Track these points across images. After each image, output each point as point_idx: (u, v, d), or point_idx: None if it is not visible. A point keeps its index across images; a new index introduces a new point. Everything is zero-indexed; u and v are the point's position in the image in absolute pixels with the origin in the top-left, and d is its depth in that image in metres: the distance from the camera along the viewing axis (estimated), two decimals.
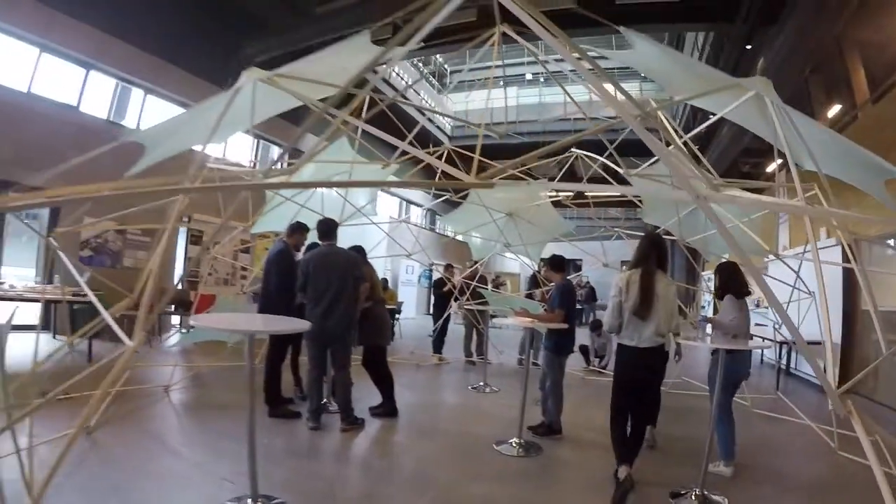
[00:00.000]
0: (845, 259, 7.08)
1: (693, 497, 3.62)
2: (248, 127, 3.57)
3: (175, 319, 10.06)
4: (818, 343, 6.32)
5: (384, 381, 5.38)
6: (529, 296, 9.26)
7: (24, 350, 6.42)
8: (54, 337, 7.45)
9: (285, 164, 10.93)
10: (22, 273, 8.78)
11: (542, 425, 5.06)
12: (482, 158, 2.68)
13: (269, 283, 5.20)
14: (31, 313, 7.87)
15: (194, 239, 10.25)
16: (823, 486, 4.28)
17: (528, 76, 22.79)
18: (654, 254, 3.74)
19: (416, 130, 3.90)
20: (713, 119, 3.44)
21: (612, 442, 3.80)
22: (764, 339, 8.21)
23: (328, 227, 5.06)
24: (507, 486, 3.86)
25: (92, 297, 3.41)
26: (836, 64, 9.34)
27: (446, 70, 24.33)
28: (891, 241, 7.20)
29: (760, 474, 4.30)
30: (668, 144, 4.09)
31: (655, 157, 5.10)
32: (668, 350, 3.99)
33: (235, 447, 4.03)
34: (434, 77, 23.36)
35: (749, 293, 4.34)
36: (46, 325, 7.83)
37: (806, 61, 9.31)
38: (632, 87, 21.29)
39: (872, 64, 8.80)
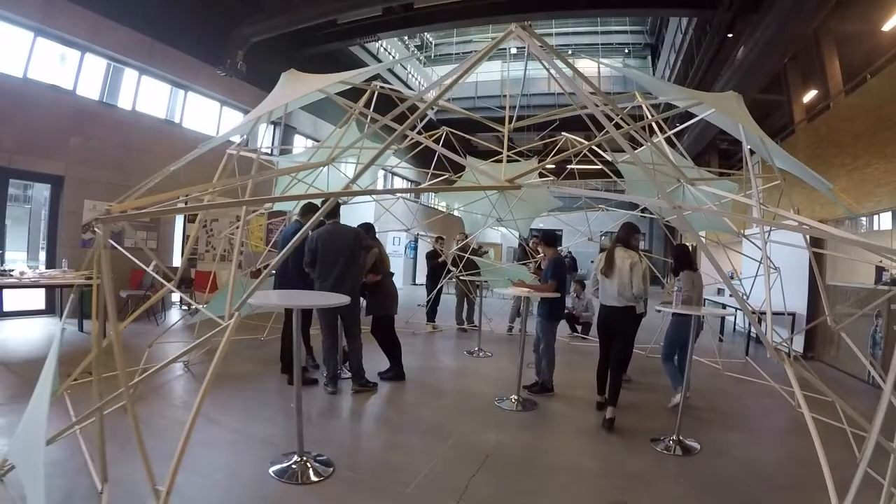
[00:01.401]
0: (812, 239, 7.80)
1: (671, 441, 4.24)
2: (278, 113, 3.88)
3: (175, 297, 10.26)
4: (783, 314, 7.03)
5: (393, 348, 5.88)
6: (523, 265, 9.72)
7: (37, 334, 6.79)
8: (60, 320, 7.70)
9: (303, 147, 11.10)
10: (11, 256, 8.91)
11: (537, 384, 5.66)
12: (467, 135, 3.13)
13: (286, 260, 5.59)
14: (36, 299, 8.17)
15: (192, 218, 10.45)
16: (783, 434, 4.97)
17: (513, 50, 22.95)
18: (620, 235, 5.14)
19: (417, 114, 4.30)
20: (694, 120, 3.89)
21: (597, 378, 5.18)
22: (725, 306, 8.92)
23: (332, 208, 5.46)
24: (512, 434, 4.48)
25: (162, 280, 3.74)
26: (813, 54, 9.74)
27: (431, 43, 24.37)
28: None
29: (729, 424, 4.99)
30: (650, 133, 4.55)
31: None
32: (638, 313, 5.12)
33: (265, 412, 4.58)
34: (419, 50, 23.40)
35: (696, 269, 5.42)
36: (52, 308, 8.17)
37: (785, 51, 9.63)
38: (617, 61, 21.65)
39: (848, 55, 9.25)
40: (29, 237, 9.43)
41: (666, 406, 5.29)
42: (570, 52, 22.35)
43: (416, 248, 19.97)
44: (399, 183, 22.57)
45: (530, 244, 9.92)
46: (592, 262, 4.94)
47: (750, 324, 9.35)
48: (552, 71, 3.03)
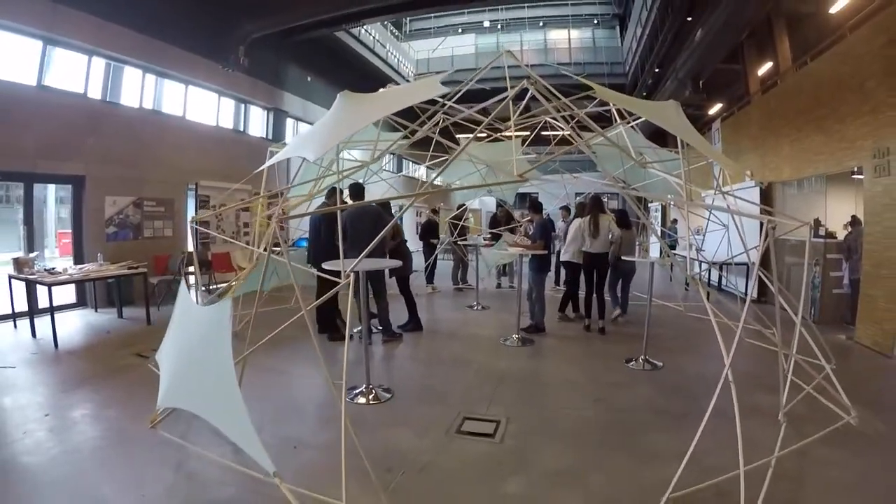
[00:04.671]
0: (762, 199, 9.11)
1: (640, 360, 5.55)
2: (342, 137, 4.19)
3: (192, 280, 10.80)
4: (744, 264, 8.18)
5: (410, 303, 7.08)
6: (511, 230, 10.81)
7: (78, 323, 7.47)
8: (96, 311, 8.23)
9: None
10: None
11: (531, 326, 6.96)
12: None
13: (319, 235, 6.63)
14: (68, 294, 8.34)
15: (202, 204, 11.11)
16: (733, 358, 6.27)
17: (486, 23, 23.72)
18: (597, 204, 7.04)
19: (430, 114, 5.09)
20: (640, 119, 4.93)
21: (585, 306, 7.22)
22: (677, 254, 10.14)
23: (358, 189, 6.51)
24: (518, 362, 5.78)
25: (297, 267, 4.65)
26: (766, 32, 10.65)
27: (406, 19, 24.91)
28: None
29: (687, 349, 6.31)
30: (621, 116, 5.58)
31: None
32: (610, 258, 7.12)
33: (327, 360, 5.64)
34: (396, 28, 23.96)
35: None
36: (83, 301, 8.55)
37: (740, 33, 10.53)
38: (585, 34, 22.53)
39: (798, 35, 10.17)
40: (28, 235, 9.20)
41: (634, 335, 6.59)
42: (541, 24, 23.27)
43: (401, 219, 20.89)
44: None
45: (521, 218, 11.14)
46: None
47: (709, 272, 10.71)
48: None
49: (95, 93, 9.16)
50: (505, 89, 4.07)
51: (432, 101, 4.53)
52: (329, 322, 6.63)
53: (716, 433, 2.98)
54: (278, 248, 4.27)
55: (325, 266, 4.48)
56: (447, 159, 9.23)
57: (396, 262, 5.39)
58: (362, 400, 4.49)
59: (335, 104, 4.02)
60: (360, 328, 6.44)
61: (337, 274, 3.82)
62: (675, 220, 15.61)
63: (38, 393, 4.55)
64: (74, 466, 3.25)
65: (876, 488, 3.09)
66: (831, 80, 7.58)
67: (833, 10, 8.54)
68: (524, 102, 4.92)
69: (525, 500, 2.98)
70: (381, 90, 5.14)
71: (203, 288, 10.40)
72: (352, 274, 3.33)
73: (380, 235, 3.67)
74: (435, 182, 22.92)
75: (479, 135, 6.32)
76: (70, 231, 9.18)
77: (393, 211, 8.26)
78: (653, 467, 3.25)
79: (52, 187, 12.26)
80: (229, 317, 2.89)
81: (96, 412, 4.15)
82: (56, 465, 3.26)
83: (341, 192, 6.88)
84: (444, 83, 3.79)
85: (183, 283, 4.10)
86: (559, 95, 4.11)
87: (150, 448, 3.51)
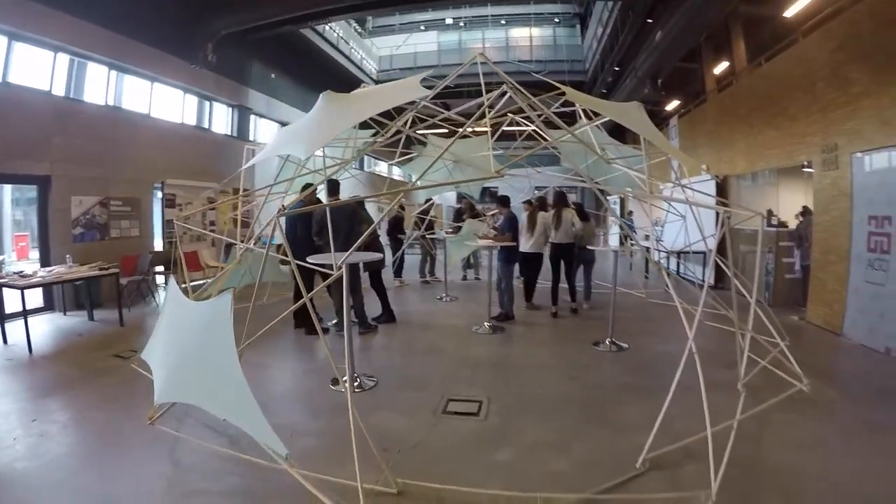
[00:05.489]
0: (718, 191, 9.64)
1: (607, 343, 5.89)
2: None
3: (160, 280, 10.33)
4: (702, 252, 8.63)
5: (382, 296, 7.26)
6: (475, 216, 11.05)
7: (48, 328, 7.35)
8: (65, 314, 7.96)
9: None
10: None
11: (501, 314, 7.24)
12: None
13: (296, 230, 6.72)
14: (35, 298, 7.73)
15: (168, 203, 10.99)
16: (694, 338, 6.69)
17: (449, 21, 23.87)
18: (561, 199, 7.57)
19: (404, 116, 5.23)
20: (606, 119, 5.20)
21: (551, 291, 7.65)
22: (634, 245, 10.58)
23: (334, 186, 6.65)
24: (491, 348, 6.07)
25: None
26: (723, 34, 11.15)
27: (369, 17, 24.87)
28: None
29: (650, 332, 6.67)
30: (586, 115, 5.86)
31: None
32: (588, 248, 7.73)
33: (302, 354, 5.93)
34: (359, 23, 23.89)
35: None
36: (50, 305, 8.23)
37: (699, 35, 10.97)
38: (546, 31, 22.96)
39: (753, 37, 10.64)
40: None
41: (600, 320, 6.95)
42: (503, 22, 23.58)
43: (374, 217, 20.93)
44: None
45: (484, 211, 11.47)
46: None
47: (668, 260, 11.22)
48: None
49: (59, 90, 8.90)
50: (469, 86, 4.27)
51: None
52: (305, 317, 6.75)
53: (682, 403, 3.28)
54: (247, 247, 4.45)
55: (310, 260, 4.59)
56: (415, 156, 9.52)
57: (379, 255, 5.70)
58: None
59: (318, 104, 4.09)
60: (335, 321, 6.59)
61: (327, 267, 3.94)
62: (631, 212, 16.26)
63: (21, 399, 4.44)
64: (74, 468, 3.27)
65: (825, 445, 3.50)
66: (784, 81, 8.10)
67: (788, 13, 9.00)
68: (488, 99, 5.11)
69: (515, 467, 3.23)
70: (358, 90, 5.27)
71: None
72: (344, 266, 3.47)
73: (367, 232, 3.89)
74: (403, 179, 22.92)
75: (442, 131, 6.56)
76: (27, 234, 8.89)
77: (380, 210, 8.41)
78: (627, 435, 3.55)
79: (7, 188, 11.90)
80: (231, 309, 2.98)
81: (85, 414, 4.12)
82: (55, 468, 3.25)
83: (311, 186, 7.03)
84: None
85: (172, 279, 4.10)
86: (529, 95, 4.34)
87: (148, 445, 3.56)
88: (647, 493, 2.89)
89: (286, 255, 3.64)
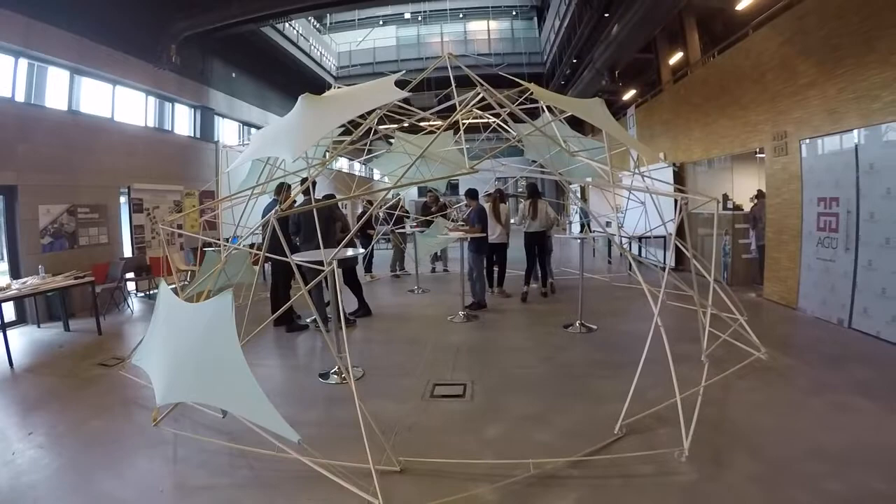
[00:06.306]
0: (676, 178, 10.11)
1: (577, 325, 6.23)
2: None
3: (131, 286, 10.16)
4: (662, 237, 9.07)
5: (357, 291, 7.43)
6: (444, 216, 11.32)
7: (22, 341, 7.23)
8: (39, 326, 7.77)
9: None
10: None
11: (474, 303, 7.55)
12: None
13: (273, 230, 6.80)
14: (7, 311, 7.20)
15: (136, 207, 10.85)
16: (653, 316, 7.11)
17: (407, 15, 23.97)
18: (535, 191, 8.13)
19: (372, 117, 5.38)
20: (568, 114, 5.47)
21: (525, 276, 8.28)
22: (596, 231, 10.97)
23: (311, 186, 6.78)
24: (469, 335, 6.36)
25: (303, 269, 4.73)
26: (678, 27, 11.63)
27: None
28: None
29: (617, 313, 7.08)
30: (549, 110, 6.13)
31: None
32: (549, 236, 8.23)
33: (287, 351, 6.08)
34: (317, 19, 23.73)
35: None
36: (23, 318, 8.03)
37: (654, 29, 11.33)
38: (504, 24, 23.28)
39: (706, 29, 11.13)
40: None
41: (570, 303, 7.34)
42: (461, 16, 23.82)
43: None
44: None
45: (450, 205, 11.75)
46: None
47: (630, 245, 11.70)
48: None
49: (20, 96, 8.67)
50: (430, 80, 4.46)
51: None
52: (285, 314, 6.86)
53: (651, 375, 3.64)
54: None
55: (295, 258, 4.73)
56: (381, 153, 9.64)
57: (359, 252, 5.83)
58: (336, 379, 4.85)
59: (297, 106, 4.16)
60: (314, 317, 6.74)
61: (318, 264, 4.10)
62: (585, 201, 16.80)
63: (12, 414, 4.36)
64: (84, 475, 3.26)
65: (783, 404, 3.90)
66: (736, 72, 8.56)
67: (740, 6, 9.46)
68: (463, 100, 5.33)
69: (505, 439, 3.52)
70: (331, 91, 5.41)
71: (143, 294, 10.26)
72: (334, 263, 3.66)
73: (353, 232, 4.10)
74: (373, 175, 22.87)
75: (404, 126, 6.77)
76: None
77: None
78: (604, 406, 3.87)
79: None
80: (232, 307, 3.10)
81: (82, 423, 4.05)
82: (63, 477, 3.24)
83: (289, 187, 7.14)
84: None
85: (163, 282, 4.17)
86: (498, 95, 4.59)
87: (151, 447, 3.60)
88: (627, 453, 3.19)
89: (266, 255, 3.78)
